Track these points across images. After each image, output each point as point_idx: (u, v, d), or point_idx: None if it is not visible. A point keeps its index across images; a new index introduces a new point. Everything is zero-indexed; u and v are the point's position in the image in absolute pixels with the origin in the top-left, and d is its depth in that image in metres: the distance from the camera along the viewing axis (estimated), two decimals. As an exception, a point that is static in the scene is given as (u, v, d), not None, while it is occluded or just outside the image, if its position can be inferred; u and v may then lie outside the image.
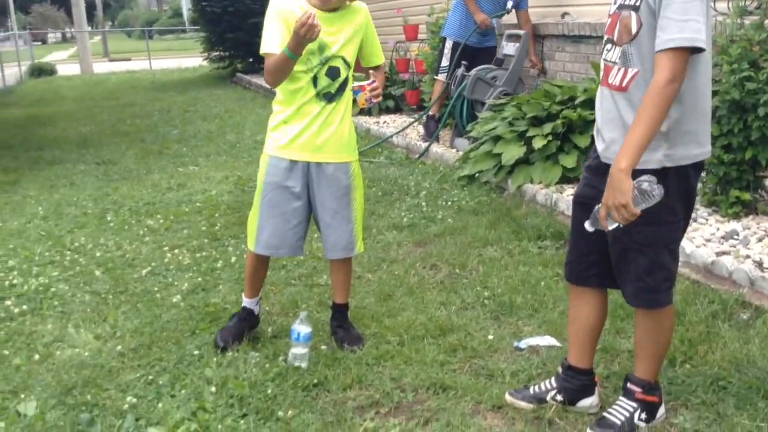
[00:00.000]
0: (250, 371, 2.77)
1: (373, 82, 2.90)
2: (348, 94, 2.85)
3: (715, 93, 3.75)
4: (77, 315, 3.48)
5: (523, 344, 2.85)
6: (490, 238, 4.10)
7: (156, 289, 3.76)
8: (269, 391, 2.62)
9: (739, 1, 4.16)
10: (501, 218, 4.42)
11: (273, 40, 2.70)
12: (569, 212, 4.28)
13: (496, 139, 5.14)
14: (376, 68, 2.96)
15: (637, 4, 1.97)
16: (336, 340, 2.99)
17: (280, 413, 2.49)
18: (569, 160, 4.67)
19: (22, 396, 2.72)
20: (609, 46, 2.09)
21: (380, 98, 2.95)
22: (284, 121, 2.81)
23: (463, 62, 6.42)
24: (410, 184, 5.49)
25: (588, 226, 2.05)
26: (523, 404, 2.41)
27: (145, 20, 47.37)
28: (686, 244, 3.53)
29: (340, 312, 3.07)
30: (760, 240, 3.60)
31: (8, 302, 3.67)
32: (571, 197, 4.35)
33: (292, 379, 2.70)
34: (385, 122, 8.05)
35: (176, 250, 4.34)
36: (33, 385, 2.80)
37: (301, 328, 2.83)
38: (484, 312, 3.19)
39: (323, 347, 2.94)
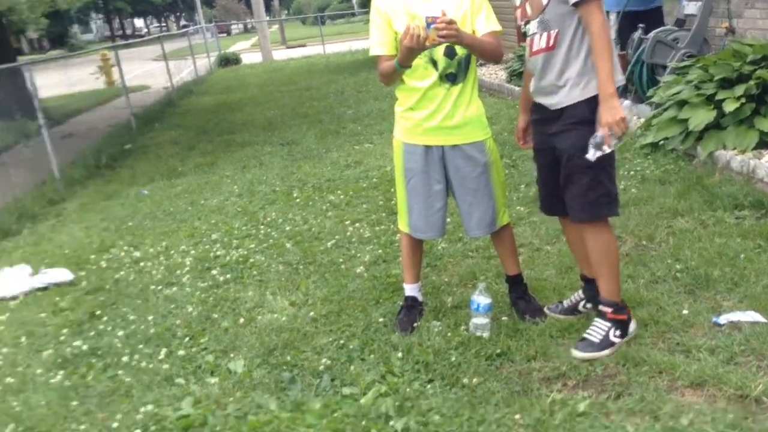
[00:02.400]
0: (433, 339, 2.86)
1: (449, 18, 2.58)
2: (473, 72, 2.80)
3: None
4: (273, 283, 3.77)
5: (722, 320, 2.68)
6: (679, 209, 3.88)
7: (341, 260, 3.97)
8: (453, 359, 2.70)
9: None
10: (691, 187, 4.16)
11: (378, 42, 2.77)
12: (769, 179, 3.96)
13: (682, 103, 4.82)
14: (489, 36, 2.73)
15: None
16: (517, 312, 3.00)
17: (465, 380, 2.55)
18: (766, 124, 4.28)
19: (231, 355, 3.02)
20: (527, 26, 2.60)
21: (453, 37, 2.53)
22: (411, 107, 2.81)
23: (640, 25, 6.06)
24: (588, 155, 5.30)
25: (591, 156, 2.41)
26: (561, 317, 2.89)
27: (317, 7, 49.32)
28: None
29: (516, 284, 3.07)
30: None
31: (214, 272, 4.06)
32: (772, 163, 4.01)
33: (475, 348, 2.75)
34: (558, 93, 7.81)
35: (357, 224, 4.55)
36: (239, 345, 3.09)
37: (481, 299, 2.87)
38: (677, 286, 3.04)
39: (504, 318, 2.96)
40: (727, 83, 4.61)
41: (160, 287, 3.93)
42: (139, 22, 70.66)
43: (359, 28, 30.22)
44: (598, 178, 2.51)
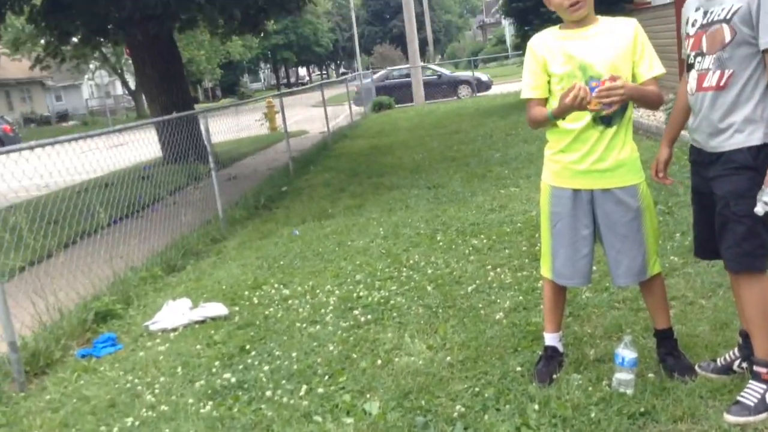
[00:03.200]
0: (572, 393, 2.77)
1: (615, 79, 2.55)
2: (629, 115, 2.70)
3: None
4: (412, 326, 3.82)
5: None
6: None
7: (480, 305, 3.95)
8: (593, 415, 2.59)
9: None
10: None
11: (529, 86, 2.78)
12: None
13: None
14: (651, 83, 2.65)
15: (728, 17, 2.37)
16: (665, 368, 2.83)
17: (603, 438, 2.44)
18: None
19: (367, 396, 3.08)
20: (699, 58, 2.49)
21: (617, 104, 2.56)
22: (562, 150, 2.76)
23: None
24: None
25: (761, 210, 2.30)
26: (713, 376, 2.72)
27: (471, 51, 50.01)
28: None
29: (665, 338, 2.89)
30: None
31: (356, 312, 4.18)
32: None
33: (617, 405, 2.63)
34: (721, 135, 7.34)
35: (498, 269, 4.51)
36: (376, 386, 3.15)
37: (626, 353, 2.74)
38: None
39: (650, 375, 2.80)
40: None
41: (304, 325, 4.11)
42: (302, 71, 75.13)
43: (511, 71, 30.24)
44: (755, 228, 2.42)
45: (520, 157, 8.73)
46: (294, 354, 3.68)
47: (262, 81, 73.54)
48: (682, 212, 4.96)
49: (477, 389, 2.96)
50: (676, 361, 2.83)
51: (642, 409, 2.57)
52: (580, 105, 2.52)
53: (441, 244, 5.37)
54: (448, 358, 3.33)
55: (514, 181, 7.31)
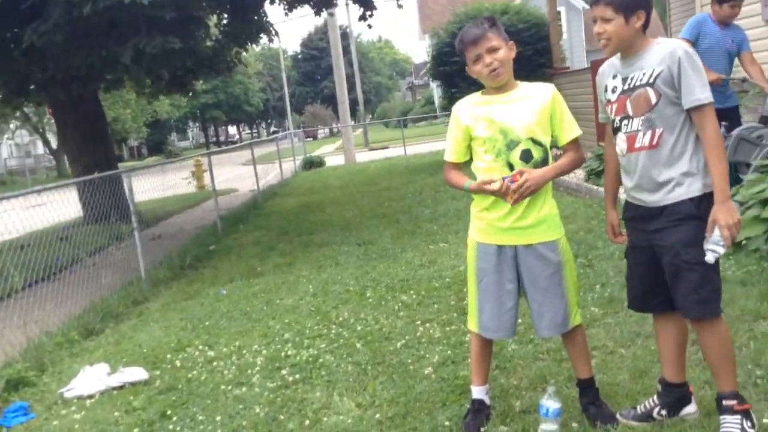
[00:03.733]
0: (498, 447, 2.77)
1: (523, 173, 2.73)
2: None
3: None
4: (341, 384, 3.77)
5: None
6: (762, 311, 3.68)
7: (409, 360, 3.94)
8: (519, 468, 2.59)
9: None
10: (776, 289, 3.95)
11: (450, 149, 2.96)
12: None
13: (765, 202, 4.67)
14: (571, 146, 2.84)
15: (651, 81, 2.53)
16: (587, 417, 2.87)
17: (531, 491, 2.44)
18: None
19: (294, 457, 3.00)
20: (626, 121, 2.63)
21: (527, 195, 2.73)
22: (486, 208, 2.86)
23: (723, 123, 5.97)
24: (667, 253, 5.14)
25: (711, 258, 2.44)
26: (635, 424, 2.79)
27: (400, 111, 51.14)
28: None
29: (588, 387, 2.96)
30: None
31: (284, 371, 4.10)
32: None
33: (542, 456, 2.64)
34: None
35: (427, 324, 4.53)
36: (303, 447, 3.08)
37: (550, 404, 2.78)
38: (757, 393, 2.85)
39: (574, 424, 2.85)
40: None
41: (230, 387, 3.99)
42: (232, 129, 74.99)
43: (440, 129, 30.97)
44: (708, 274, 2.54)
45: (448, 213, 8.88)
46: (218, 418, 3.56)
47: (191, 139, 72.93)
48: (602, 265, 5.13)
49: (406, 447, 2.93)
50: (598, 410, 2.88)
51: (567, 460, 2.60)
52: (501, 197, 2.74)
53: (371, 300, 5.36)
54: (377, 415, 3.29)
55: (443, 236, 7.42)
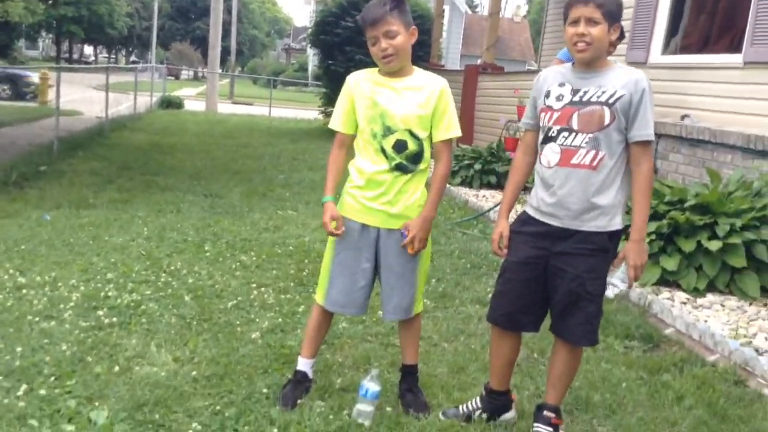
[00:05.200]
0: (313, 420, 2.77)
1: (407, 230, 2.79)
2: (425, 164, 2.82)
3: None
4: (161, 335, 3.61)
5: (595, 445, 2.72)
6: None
7: (238, 322, 3.85)
8: (328, 443, 2.61)
9: None
10: (589, 310, 4.28)
11: (337, 118, 2.89)
12: (663, 315, 4.12)
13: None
14: (444, 144, 2.81)
15: (611, 101, 2.46)
16: (403, 404, 2.95)
17: (336, 467, 2.47)
18: (671, 263, 4.48)
19: (96, 404, 2.83)
20: (565, 134, 2.52)
21: (417, 248, 2.80)
22: (359, 186, 2.85)
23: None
24: (500, 260, 5.41)
25: (611, 292, 2.48)
26: (455, 419, 2.85)
27: (272, 70, 49.96)
28: None
29: (410, 374, 3.04)
30: None
31: (100, 312, 3.85)
32: (666, 301, 4.18)
33: (353, 435, 2.68)
34: (484, 196, 8.05)
35: (263, 288, 4.45)
36: (108, 395, 2.91)
37: (370, 385, 2.82)
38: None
39: (388, 409, 2.90)
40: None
41: (38, 319, 3.69)
42: (88, 49, 69.60)
43: (309, 98, 30.65)
44: (601, 307, 2.61)
45: (303, 182, 8.80)
46: (19, 349, 3.28)
47: (41, 50, 66.88)
48: (441, 261, 5.30)
49: (218, 408, 2.85)
50: (414, 397, 2.96)
51: (375, 441, 2.65)
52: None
53: (208, 254, 5.18)
54: (194, 372, 3.18)
55: (294, 204, 7.33)
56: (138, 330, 3.66)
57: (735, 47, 6.06)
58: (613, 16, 2.46)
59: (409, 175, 2.79)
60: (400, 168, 2.77)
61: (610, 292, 2.53)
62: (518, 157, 2.79)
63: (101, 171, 8.67)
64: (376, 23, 2.68)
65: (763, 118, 5.42)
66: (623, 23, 2.59)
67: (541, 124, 2.61)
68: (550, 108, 2.55)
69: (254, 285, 4.50)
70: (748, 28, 5.72)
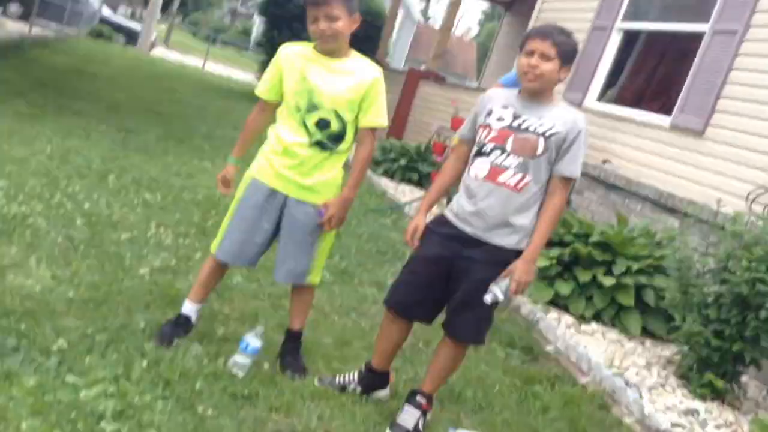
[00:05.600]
0: (186, 361, 2.70)
1: (326, 207, 2.82)
2: (347, 144, 2.83)
3: (724, 282, 3.77)
4: (44, 251, 3.43)
5: (458, 432, 2.79)
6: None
7: (129, 255, 3.71)
8: (197, 386, 2.55)
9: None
10: (480, 315, 4.37)
11: (262, 84, 2.90)
12: (547, 333, 4.27)
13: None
14: (368, 131, 2.84)
15: (547, 134, 2.57)
16: (281, 364, 2.92)
17: (200, 409, 2.41)
18: (565, 288, 4.64)
19: (-41, 302, 2.65)
20: (498, 152, 2.62)
21: (336, 225, 2.86)
22: (275, 151, 2.81)
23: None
24: (406, 251, 5.46)
25: (489, 299, 2.57)
26: (329, 387, 2.88)
27: (214, 27, 48.57)
28: (646, 405, 3.49)
29: (293, 339, 3.02)
30: (717, 427, 3.54)
31: (-17, 216, 3.62)
32: (553, 321, 4.33)
33: (224, 382, 2.63)
34: (402, 191, 8.11)
35: (162, 228, 4.30)
36: (-26, 296, 2.73)
37: (252, 341, 2.79)
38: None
39: (266, 365, 2.86)
40: (547, 243, 5.00)
41: None
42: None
43: (246, 62, 29.97)
44: (492, 312, 2.71)
45: (224, 138, 8.57)
46: None
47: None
48: (348, 240, 5.27)
49: (89, 331, 2.73)
50: (292, 359, 2.94)
51: (246, 392, 2.61)
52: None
53: (111, 185, 4.96)
54: (71, 293, 3.04)
55: (211, 157, 7.12)
56: (20, 242, 3.47)
57: (665, 110, 6.36)
58: (566, 57, 2.58)
59: (327, 153, 2.80)
60: (319, 144, 2.77)
61: (488, 298, 2.58)
62: (450, 162, 2.91)
63: (13, 82, 8.18)
64: (318, 4, 2.67)
65: (678, 179, 5.71)
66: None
67: (477, 139, 2.70)
68: (488, 126, 2.65)
69: (153, 223, 4.34)
70: (681, 95, 6.02)
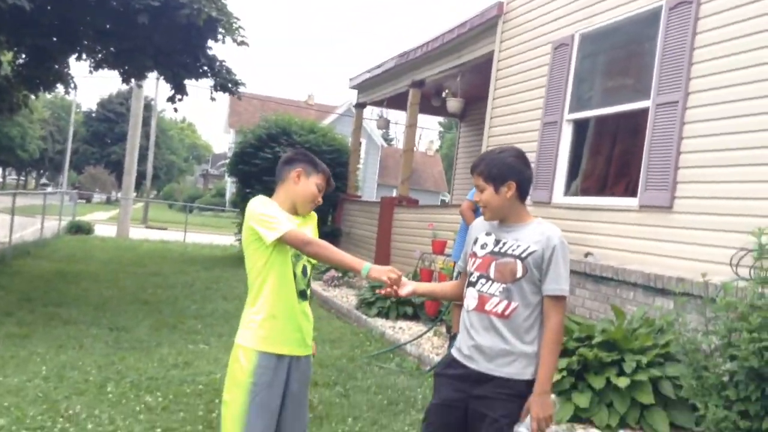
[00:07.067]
0: None
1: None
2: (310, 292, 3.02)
3: (733, 358, 3.74)
4: (52, 491, 3.32)
5: None
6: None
7: (139, 475, 3.60)
8: None
9: (761, 271, 4.29)
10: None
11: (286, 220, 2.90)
12: (577, 455, 4.12)
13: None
14: None
15: (523, 255, 2.58)
16: None
17: None
18: (583, 400, 4.55)
19: None
20: (483, 281, 2.65)
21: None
22: (273, 315, 2.83)
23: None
24: (418, 396, 5.36)
25: None
26: None
27: (189, 195, 49.72)
28: None
29: None
30: None
31: (-14, 466, 3.53)
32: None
33: None
34: (401, 328, 8.05)
35: (168, 434, 4.21)
36: None
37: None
38: None
39: None
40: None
41: None
42: (-4, 170, 67.61)
43: (225, 223, 30.45)
44: None
45: (216, 313, 8.58)
46: None
47: (-56, 169, 64.43)
48: (357, 397, 5.19)
49: None
50: None
51: None
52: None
53: (110, 396, 4.89)
54: None
55: (205, 337, 7.10)
56: (27, 486, 3.36)
57: (631, 191, 6.52)
58: (495, 178, 2.64)
59: (306, 301, 2.95)
60: (302, 295, 2.90)
61: None
62: (456, 282, 3.01)
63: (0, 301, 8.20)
64: (329, 184, 3.03)
65: (660, 258, 5.77)
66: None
67: (468, 269, 2.76)
68: (475, 254, 2.72)
69: (159, 430, 4.26)
70: (641, 174, 6.20)
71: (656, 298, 5.33)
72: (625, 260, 6.04)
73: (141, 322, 7.65)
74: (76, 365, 5.61)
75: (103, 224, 25.33)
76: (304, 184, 2.94)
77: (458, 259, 6.84)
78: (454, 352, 2.72)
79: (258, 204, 2.86)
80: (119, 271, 12.20)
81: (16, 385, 4.95)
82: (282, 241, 2.76)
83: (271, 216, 2.79)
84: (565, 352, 4.84)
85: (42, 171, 68.29)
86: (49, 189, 25.34)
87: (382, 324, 8.13)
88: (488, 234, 2.71)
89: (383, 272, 2.73)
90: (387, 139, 53.33)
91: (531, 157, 7.40)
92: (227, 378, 2.88)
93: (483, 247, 2.70)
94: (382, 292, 2.84)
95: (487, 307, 2.61)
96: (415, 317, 8.58)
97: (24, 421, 4.23)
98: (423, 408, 5.02)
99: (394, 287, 2.74)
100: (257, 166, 14.27)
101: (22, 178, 67.65)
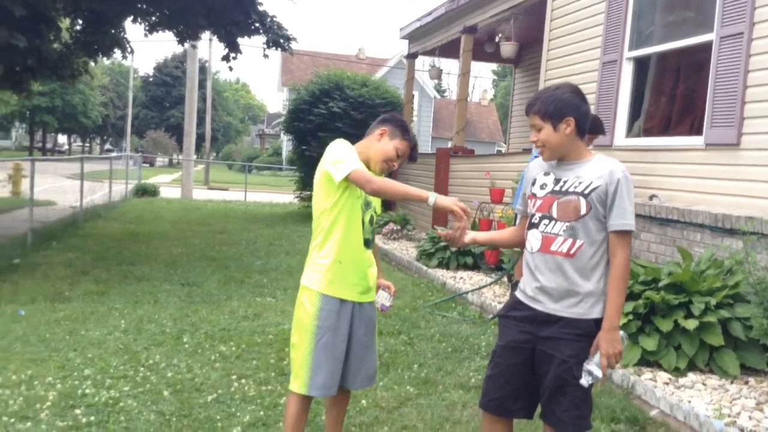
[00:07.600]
0: None
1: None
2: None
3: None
4: (140, 433, 3.52)
5: None
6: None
7: (218, 417, 3.78)
8: None
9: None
10: (573, 392, 4.27)
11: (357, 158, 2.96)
12: (647, 396, 4.12)
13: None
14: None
15: (586, 192, 2.54)
16: None
17: None
18: (650, 343, 4.52)
19: None
20: (546, 221, 2.61)
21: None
22: (339, 260, 2.92)
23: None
24: (481, 343, 5.42)
25: (585, 382, 2.47)
26: None
27: (247, 156, 50.51)
28: None
29: None
30: None
31: (77, 411, 3.77)
32: (649, 382, 4.19)
33: None
34: (461, 278, 8.10)
35: (243, 380, 4.39)
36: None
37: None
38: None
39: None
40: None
41: (13, 420, 3.59)
42: (62, 138, 70.00)
43: (283, 182, 30.91)
44: (589, 391, 2.55)
45: (280, 267, 8.79)
46: (-8, 454, 3.18)
47: (13, 140, 67.09)
48: (422, 345, 5.28)
49: None
50: None
51: None
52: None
53: (186, 346, 5.11)
54: (175, 472, 3.10)
55: (272, 291, 7.30)
56: (116, 428, 3.58)
57: (696, 130, 6.31)
58: (552, 115, 2.57)
59: (371, 250, 3.05)
60: (367, 243, 3.00)
61: (585, 381, 2.47)
62: (514, 230, 2.98)
63: (76, 262, 8.59)
64: (414, 152, 3.13)
65: (728, 197, 5.60)
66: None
67: (528, 211, 2.72)
68: (534, 195, 2.67)
69: (234, 377, 4.44)
70: (706, 111, 5.98)
71: (724, 239, 5.20)
72: (691, 201, 5.89)
73: (210, 278, 7.91)
74: (152, 318, 5.87)
75: (168, 186, 26.04)
76: (385, 143, 3.01)
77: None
78: (519, 294, 2.70)
79: (335, 147, 2.91)
80: (186, 230, 12.58)
81: (98, 338, 5.22)
82: (348, 180, 2.81)
83: (342, 158, 2.84)
84: (630, 296, 4.79)
85: (105, 137, 70.30)
86: (114, 154, 26.07)
87: (442, 274, 8.19)
88: (547, 174, 2.66)
89: (451, 201, 2.74)
90: (440, 90, 52.73)
91: (590, 98, 7.25)
92: (294, 321, 3.02)
93: (543, 187, 2.65)
94: (446, 234, 2.86)
95: (553, 247, 2.57)
96: (475, 267, 8.60)
97: (108, 370, 4.47)
98: (487, 354, 5.09)
99: (462, 225, 2.76)
100: (312, 122, 14.36)
101: (87, 144, 69.80)
